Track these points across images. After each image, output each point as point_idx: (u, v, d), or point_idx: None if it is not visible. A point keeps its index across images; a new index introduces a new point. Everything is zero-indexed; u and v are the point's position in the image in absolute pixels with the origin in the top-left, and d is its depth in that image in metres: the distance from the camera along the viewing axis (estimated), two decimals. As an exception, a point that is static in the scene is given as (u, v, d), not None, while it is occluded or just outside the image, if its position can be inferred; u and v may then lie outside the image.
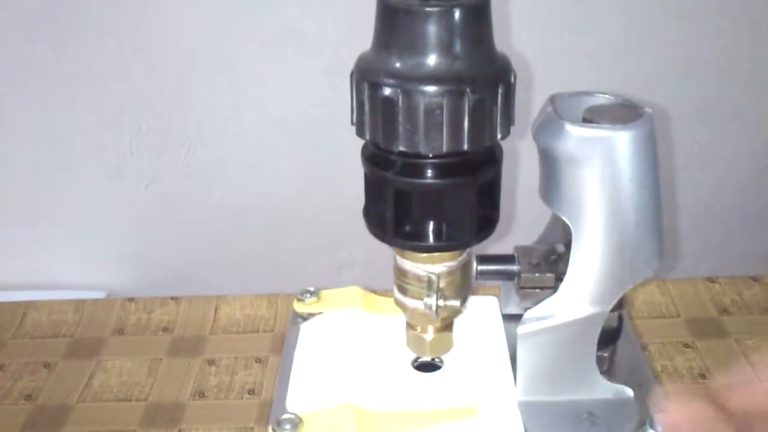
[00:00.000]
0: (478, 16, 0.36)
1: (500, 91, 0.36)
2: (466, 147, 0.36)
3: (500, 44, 0.37)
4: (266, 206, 0.83)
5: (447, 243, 0.40)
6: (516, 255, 0.46)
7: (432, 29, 0.35)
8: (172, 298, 0.78)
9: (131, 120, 0.79)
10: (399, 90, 0.35)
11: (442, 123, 0.35)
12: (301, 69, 0.76)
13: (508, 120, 0.37)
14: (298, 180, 0.82)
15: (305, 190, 0.83)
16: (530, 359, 0.42)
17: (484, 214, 0.40)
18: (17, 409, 0.66)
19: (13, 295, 0.81)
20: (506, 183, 0.41)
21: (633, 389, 0.43)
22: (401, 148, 0.36)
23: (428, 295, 0.41)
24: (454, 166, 0.37)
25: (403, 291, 0.43)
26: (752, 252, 0.87)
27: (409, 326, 0.45)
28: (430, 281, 0.41)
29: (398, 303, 0.44)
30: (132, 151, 0.80)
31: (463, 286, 0.43)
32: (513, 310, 0.49)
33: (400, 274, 0.42)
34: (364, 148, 0.40)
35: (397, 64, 0.35)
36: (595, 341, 0.42)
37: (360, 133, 0.38)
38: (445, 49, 0.35)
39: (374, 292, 0.52)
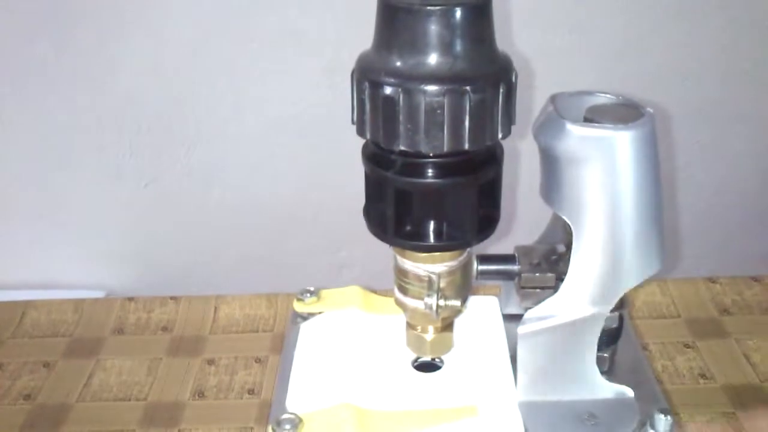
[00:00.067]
0: (480, 16, 0.36)
1: (501, 90, 0.36)
2: (466, 146, 0.36)
3: (501, 43, 0.37)
4: (266, 206, 0.83)
5: (447, 243, 0.40)
6: (516, 255, 0.46)
7: (433, 28, 0.35)
8: (172, 298, 0.78)
9: (131, 120, 0.78)
10: (400, 89, 0.35)
11: (443, 122, 0.35)
12: (301, 69, 0.76)
13: (509, 119, 0.37)
14: (298, 180, 0.82)
15: (305, 190, 0.83)
16: (531, 359, 0.42)
17: (485, 214, 0.40)
18: (16, 408, 0.66)
19: (12, 294, 0.81)
20: (507, 182, 0.41)
21: (633, 389, 0.43)
22: (402, 148, 0.36)
23: (429, 295, 0.41)
24: (455, 165, 0.37)
25: (403, 291, 0.43)
26: (753, 252, 0.87)
27: (410, 326, 0.45)
28: (430, 281, 0.41)
29: (398, 303, 0.43)
30: (132, 150, 0.80)
31: (464, 286, 0.43)
32: (513, 310, 0.49)
33: (401, 273, 0.42)
34: (365, 148, 0.39)
35: (398, 63, 0.35)
36: (596, 341, 0.42)
37: (360, 132, 0.37)
38: (446, 48, 0.35)
39: (374, 291, 0.52)
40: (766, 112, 0.81)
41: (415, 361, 0.46)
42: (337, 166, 0.75)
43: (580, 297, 0.41)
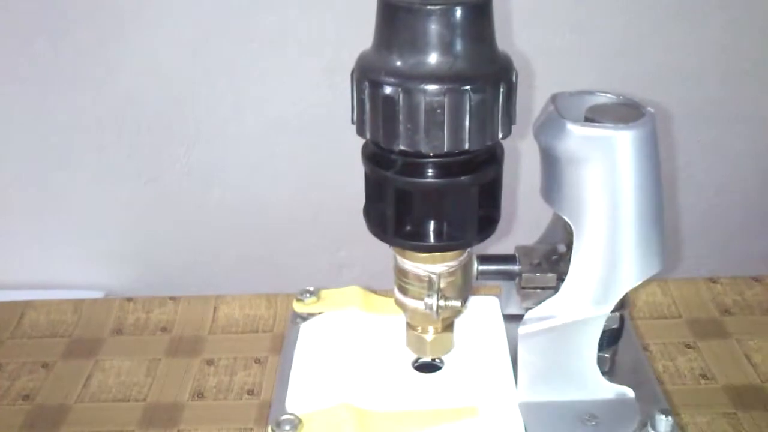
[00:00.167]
0: (480, 15, 0.35)
1: (502, 90, 0.36)
2: (467, 146, 0.36)
3: (502, 43, 0.37)
4: (266, 206, 0.83)
5: (448, 243, 0.40)
6: (517, 255, 0.46)
7: (433, 28, 0.34)
8: (171, 298, 0.78)
9: (131, 120, 0.78)
10: (400, 89, 0.34)
11: (443, 122, 0.35)
12: (301, 69, 0.76)
13: (510, 119, 0.37)
14: (298, 180, 0.82)
15: (305, 190, 0.83)
16: (531, 360, 0.42)
17: (485, 214, 0.40)
18: (15, 409, 0.66)
19: (11, 294, 0.81)
20: (507, 182, 0.41)
21: (634, 390, 0.43)
22: (402, 147, 0.36)
23: (429, 296, 0.41)
24: (455, 165, 0.37)
25: (403, 291, 0.42)
26: (754, 252, 0.86)
27: (410, 326, 0.44)
28: (430, 281, 0.41)
29: (399, 303, 0.43)
30: (132, 150, 0.80)
31: (464, 287, 0.43)
32: (514, 310, 0.49)
33: (401, 274, 0.42)
34: (365, 147, 0.39)
35: (398, 63, 0.35)
36: (597, 342, 0.42)
37: (360, 132, 0.37)
38: (447, 47, 0.35)
39: (374, 292, 0.52)
40: (767, 112, 0.81)
41: (416, 361, 0.46)
42: (337, 166, 0.75)
43: (580, 297, 0.40)
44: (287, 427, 0.40)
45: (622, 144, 0.38)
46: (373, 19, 0.36)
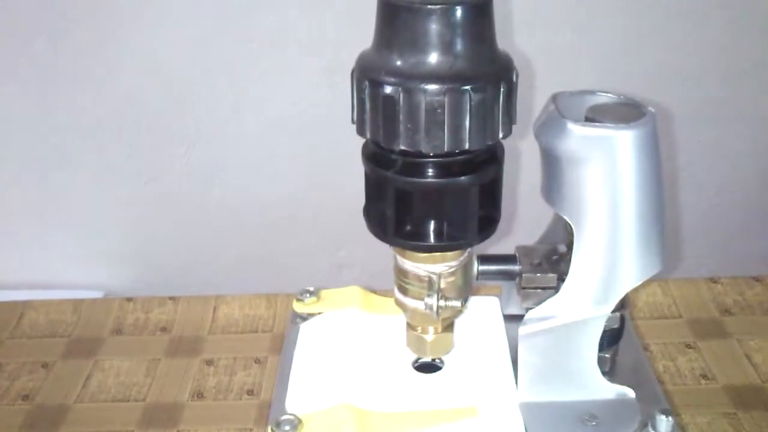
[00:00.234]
0: (480, 15, 0.35)
1: (502, 89, 0.36)
2: (467, 146, 0.36)
3: (502, 43, 0.37)
4: (266, 206, 0.83)
5: (448, 243, 0.40)
6: (517, 255, 0.46)
7: (433, 27, 0.34)
8: (171, 298, 0.78)
9: (131, 120, 0.78)
10: (400, 88, 0.34)
11: (443, 122, 0.35)
12: (301, 69, 0.76)
13: (510, 119, 0.37)
14: (298, 180, 0.82)
15: (305, 190, 0.83)
16: (531, 360, 0.42)
17: (486, 214, 0.40)
18: (15, 409, 0.66)
19: (10, 294, 0.81)
20: (508, 182, 0.41)
21: (635, 390, 0.43)
22: (402, 147, 0.36)
23: (429, 296, 0.41)
24: (456, 165, 0.37)
25: (403, 291, 0.42)
26: (755, 252, 0.86)
27: (410, 327, 0.44)
28: (430, 281, 0.41)
29: (399, 303, 0.43)
30: (131, 150, 0.80)
31: (464, 287, 0.42)
32: (514, 310, 0.49)
33: (401, 274, 0.42)
34: (365, 147, 0.39)
35: (399, 63, 0.35)
36: (597, 342, 0.41)
37: (360, 131, 0.37)
38: (447, 47, 0.35)
39: (374, 292, 0.52)
40: (767, 112, 0.81)
41: (416, 361, 0.46)
42: (337, 166, 0.75)
43: (581, 297, 0.40)
44: (287, 428, 0.40)
45: (623, 144, 0.37)
46: (373, 18, 0.36)
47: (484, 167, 0.38)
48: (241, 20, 0.74)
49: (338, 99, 0.69)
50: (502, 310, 0.50)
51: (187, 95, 0.77)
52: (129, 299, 0.78)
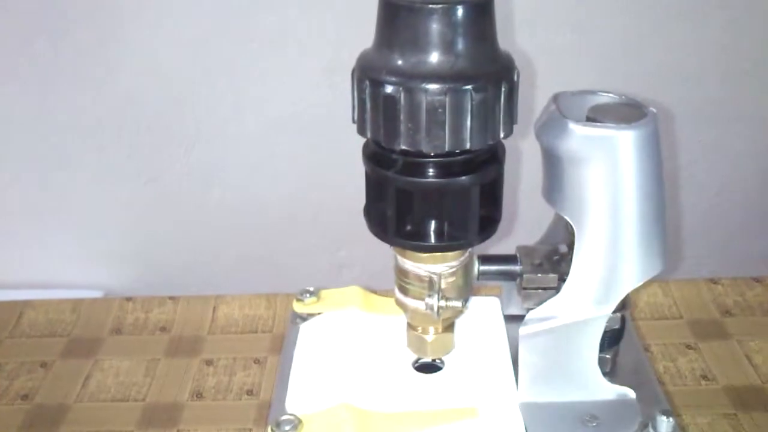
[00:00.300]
0: (481, 14, 0.35)
1: (503, 89, 0.36)
2: (468, 146, 0.36)
3: (503, 42, 0.37)
4: (266, 206, 0.83)
5: (448, 243, 0.40)
6: (518, 255, 0.46)
7: (434, 27, 0.34)
8: (170, 298, 0.78)
9: (131, 120, 0.78)
10: (401, 88, 0.34)
11: (444, 121, 0.35)
12: (301, 69, 0.76)
13: (511, 118, 0.37)
14: (298, 180, 0.82)
15: (305, 190, 0.83)
16: (532, 360, 0.42)
17: (486, 214, 0.40)
18: (14, 409, 0.65)
19: (10, 294, 0.81)
20: (509, 182, 0.41)
21: (635, 391, 0.43)
22: (403, 147, 0.36)
23: (429, 296, 0.41)
24: (456, 165, 0.37)
25: (404, 291, 0.42)
26: (755, 253, 0.86)
27: (410, 327, 0.44)
28: (431, 281, 0.41)
29: (399, 303, 0.43)
30: (131, 150, 0.80)
31: (465, 287, 0.42)
32: (515, 310, 0.49)
33: (401, 274, 0.42)
34: (365, 147, 0.39)
35: (399, 62, 0.35)
36: (598, 342, 0.41)
37: (361, 131, 0.37)
38: (448, 46, 0.35)
39: (374, 292, 0.52)
40: (767, 112, 0.81)
41: (416, 362, 0.46)
42: (337, 166, 0.75)
43: (582, 298, 0.40)
44: (287, 428, 0.40)
45: (624, 144, 0.37)
46: (374, 18, 0.36)
47: (485, 167, 0.38)
48: (241, 20, 0.74)
49: (338, 99, 0.69)
50: (502, 310, 0.50)
51: (187, 95, 0.77)
52: (129, 299, 0.78)
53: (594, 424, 0.41)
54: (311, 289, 0.51)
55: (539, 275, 0.45)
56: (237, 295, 0.78)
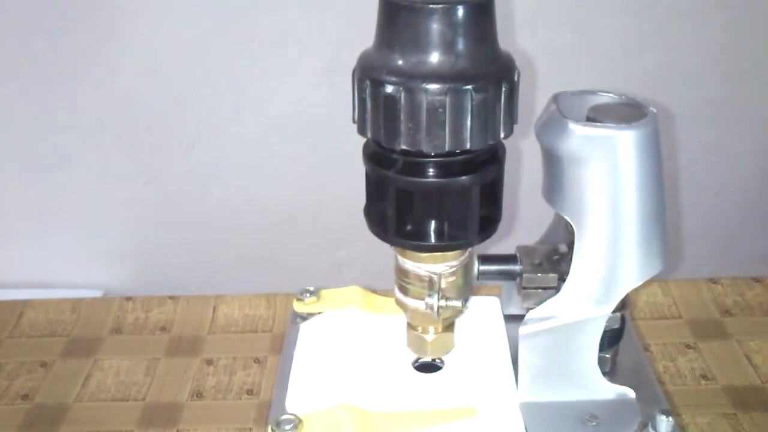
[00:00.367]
0: (482, 14, 0.35)
1: (503, 89, 0.36)
2: (468, 146, 0.36)
3: (503, 42, 0.37)
4: (266, 206, 0.83)
5: (449, 243, 0.40)
6: (518, 255, 0.46)
7: (435, 27, 0.34)
8: (170, 298, 0.78)
9: (131, 120, 0.78)
10: (401, 88, 0.34)
11: (444, 121, 0.35)
12: (301, 69, 0.76)
13: (512, 119, 0.37)
14: (298, 180, 0.82)
15: (305, 190, 0.83)
16: (532, 360, 0.42)
17: (486, 214, 0.40)
18: (14, 408, 0.65)
19: (10, 293, 0.81)
20: (509, 182, 0.41)
21: (635, 390, 0.43)
22: (403, 147, 0.36)
23: (429, 295, 0.41)
24: (457, 165, 0.37)
25: (404, 291, 0.42)
26: (755, 253, 0.86)
27: (410, 326, 0.44)
28: (431, 281, 0.41)
29: (399, 303, 0.43)
30: (131, 150, 0.80)
31: (465, 287, 0.42)
32: (515, 310, 0.49)
33: (401, 273, 0.42)
34: (366, 147, 0.39)
35: (400, 62, 0.35)
36: (597, 342, 0.41)
37: (361, 131, 0.37)
38: (448, 46, 0.35)
39: (374, 291, 0.52)
40: (767, 112, 0.81)
41: (416, 361, 0.46)
42: (337, 166, 0.75)
43: (581, 297, 0.40)
44: (287, 427, 0.40)
45: (624, 144, 0.37)
46: (374, 18, 0.36)
47: (485, 167, 0.38)
48: (241, 20, 0.74)
49: (338, 99, 0.69)
50: (502, 310, 0.50)
51: (187, 95, 0.77)
52: (128, 299, 0.78)
53: (594, 424, 0.41)
54: (311, 288, 0.51)
55: (539, 275, 0.45)
56: (237, 294, 0.78)
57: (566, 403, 0.42)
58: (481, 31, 0.35)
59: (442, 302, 0.41)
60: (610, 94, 0.42)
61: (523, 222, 0.74)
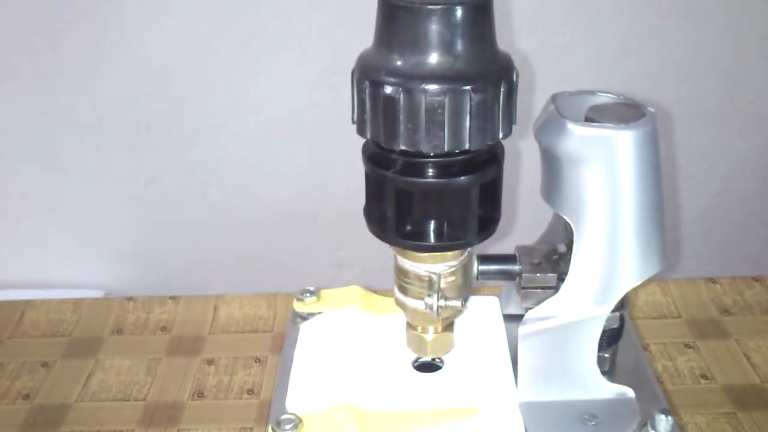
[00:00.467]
0: (481, 15, 0.35)
1: (502, 89, 0.36)
2: (467, 146, 0.36)
3: (502, 43, 0.37)
4: (265, 206, 0.83)
5: (448, 243, 0.40)
6: (517, 255, 0.46)
7: (434, 27, 0.34)
8: (171, 298, 0.78)
9: (131, 120, 0.78)
10: (400, 88, 0.34)
11: (443, 122, 0.35)
12: (301, 69, 0.76)
13: (510, 119, 0.37)
14: (297, 180, 0.82)
15: (305, 190, 0.83)
16: (531, 360, 0.42)
17: (486, 214, 0.40)
18: (15, 408, 0.66)
19: (11, 294, 0.81)
20: (508, 182, 0.41)
21: (634, 390, 0.43)
22: (402, 147, 0.36)
23: (429, 295, 0.41)
24: (456, 165, 0.37)
25: (403, 291, 0.42)
26: (754, 252, 0.87)
27: (410, 326, 0.44)
28: (431, 281, 0.41)
29: (399, 303, 0.43)
30: (131, 150, 0.80)
31: (464, 286, 0.43)
32: (514, 310, 0.49)
33: (401, 273, 0.42)
34: (365, 147, 0.39)
35: (399, 63, 0.35)
36: (597, 342, 0.42)
37: (361, 131, 0.37)
38: (447, 47, 0.35)
39: (374, 291, 0.52)
40: (767, 112, 0.81)
41: (416, 361, 0.46)
42: (337, 166, 0.75)
43: (581, 297, 0.40)
44: (287, 427, 0.40)
45: (623, 144, 0.38)
46: (373, 19, 0.36)
47: (484, 167, 0.38)
48: (242, 20, 0.74)
49: (338, 99, 0.69)
50: (502, 309, 0.50)
51: (187, 95, 0.77)
52: (129, 299, 0.78)
53: (593, 423, 0.41)
54: (311, 288, 0.51)
55: (538, 275, 0.45)
56: (237, 294, 0.78)
57: (566, 403, 0.42)
58: (480, 32, 0.36)
59: (442, 302, 0.41)
60: (609, 95, 0.42)
61: (522, 222, 0.74)
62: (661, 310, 0.74)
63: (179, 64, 0.76)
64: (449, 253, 0.41)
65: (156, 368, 0.70)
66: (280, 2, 0.73)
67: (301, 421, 0.41)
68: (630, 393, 0.43)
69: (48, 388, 0.68)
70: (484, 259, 0.46)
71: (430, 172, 0.37)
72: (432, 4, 0.34)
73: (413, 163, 0.37)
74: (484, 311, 0.50)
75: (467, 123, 0.35)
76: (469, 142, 0.35)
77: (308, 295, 0.51)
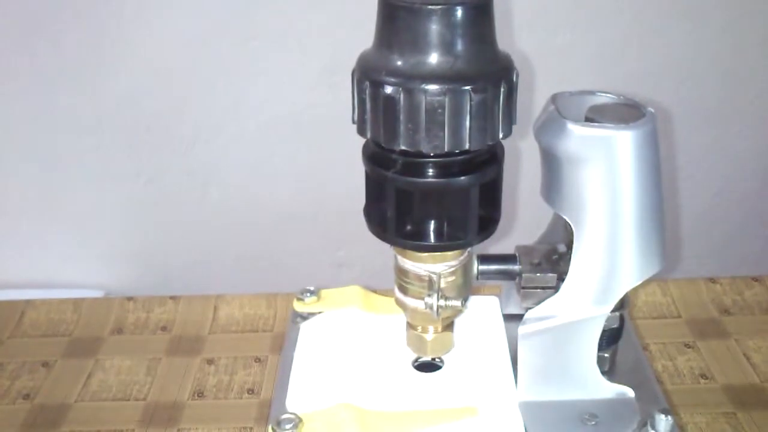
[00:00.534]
0: (481, 15, 0.35)
1: (502, 89, 0.36)
2: (467, 146, 0.36)
3: (502, 43, 0.37)
4: (265, 206, 0.83)
5: (448, 242, 0.40)
6: (517, 255, 0.46)
7: (434, 27, 0.34)
8: (171, 298, 0.78)
9: (131, 120, 0.78)
10: (401, 88, 0.35)
11: (443, 122, 0.35)
12: (301, 69, 0.76)
13: (510, 119, 0.37)
14: (297, 180, 0.82)
15: (305, 190, 0.83)
16: (531, 359, 0.42)
17: (486, 214, 0.40)
18: (16, 408, 0.66)
19: (11, 293, 0.81)
20: (508, 182, 0.41)
21: (634, 389, 0.43)
22: (402, 147, 0.36)
23: (429, 295, 0.41)
24: (456, 165, 0.37)
25: (403, 291, 0.42)
26: (754, 252, 0.87)
27: (410, 326, 0.44)
28: (431, 281, 0.41)
29: (399, 303, 0.43)
30: (131, 150, 0.80)
31: (464, 286, 0.43)
32: (514, 310, 0.49)
33: (401, 273, 0.42)
34: (365, 147, 0.39)
35: (399, 63, 0.35)
36: (597, 341, 0.42)
37: (361, 131, 0.37)
38: (447, 47, 0.35)
39: (374, 291, 0.52)
40: (767, 112, 0.81)
41: (416, 361, 0.46)
42: (337, 166, 0.75)
43: (580, 297, 0.40)
44: (287, 426, 0.40)
45: (623, 144, 0.38)
46: (374, 19, 0.37)
47: (484, 167, 0.38)
48: (242, 19, 0.74)
49: (338, 99, 0.69)
50: (501, 309, 0.50)
51: (187, 95, 0.78)
52: (129, 298, 0.78)
53: (593, 423, 0.41)
54: (311, 288, 0.52)
55: (538, 275, 0.45)
56: (237, 294, 0.78)
57: (565, 403, 0.42)
58: (480, 32, 0.36)
59: (442, 302, 0.41)
60: (609, 95, 0.42)
61: (522, 222, 0.75)
62: (661, 310, 0.74)
63: (179, 64, 0.76)
64: (449, 253, 0.41)
65: (156, 368, 0.70)
66: (280, 2, 0.73)
67: (301, 420, 0.41)
68: (630, 393, 0.43)
69: (48, 388, 0.68)
70: (484, 259, 0.46)
71: (430, 172, 0.37)
72: (432, 4, 0.34)
73: (413, 163, 0.37)
74: (484, 311, 0.50)
75: (467, 123, 0.35)
76: (469, 142, 0.36)
77: (308, 294, 0.51)
